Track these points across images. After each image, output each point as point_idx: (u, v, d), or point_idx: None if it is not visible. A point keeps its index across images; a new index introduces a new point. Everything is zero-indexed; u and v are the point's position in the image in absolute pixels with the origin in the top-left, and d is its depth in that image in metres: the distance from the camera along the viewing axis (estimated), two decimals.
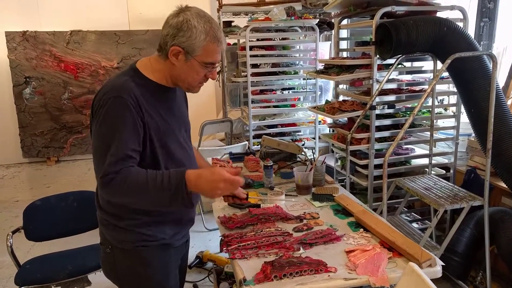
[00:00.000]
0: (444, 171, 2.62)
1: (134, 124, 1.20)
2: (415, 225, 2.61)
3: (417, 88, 2.55)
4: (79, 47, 5.45)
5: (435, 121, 2.49)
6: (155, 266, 1.35)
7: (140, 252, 1.32)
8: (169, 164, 1.30)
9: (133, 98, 1.20)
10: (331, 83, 4.06)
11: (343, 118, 2.57)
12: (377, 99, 2.36)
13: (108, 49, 5.54)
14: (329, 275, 1.26)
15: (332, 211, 1.75)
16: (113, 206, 1.30)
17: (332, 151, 3.48)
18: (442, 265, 1.32)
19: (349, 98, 2.73)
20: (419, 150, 2.75)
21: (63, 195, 2.26)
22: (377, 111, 2.40)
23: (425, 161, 2.65)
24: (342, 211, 1.74)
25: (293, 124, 3.78)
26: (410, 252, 1.33)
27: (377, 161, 2.44)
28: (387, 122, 2.49)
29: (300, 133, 3.92)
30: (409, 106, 2.62)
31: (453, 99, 2.93)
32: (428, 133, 2.68)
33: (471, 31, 2.59)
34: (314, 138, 3.76)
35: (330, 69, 2.60)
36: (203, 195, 1.27)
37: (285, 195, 1.87)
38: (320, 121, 3.76)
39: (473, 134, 2.69)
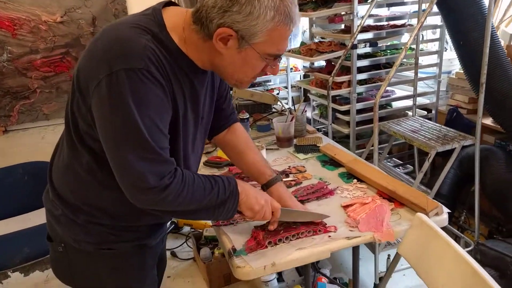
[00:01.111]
0: (425, 112, 2.51)
1: (168, 102, 0.86)
2: (397, 170, 2.53)
3: (399, 22, 2.34)
4: (12, 0, 4.76)
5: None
6: (127, 271, 1.06)
7: (105, 255, 1.01)
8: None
9: (161, 67, 0.83)
10: (300, 27, 3.79)
11: (322, 60, 2.36)
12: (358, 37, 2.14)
13: (48, 1, 4.89)
14: (329, 236, 1.11)
15: (319, 162, 1.62)
16: (75, 194, 0.97)
17: (306, 99, 3.31)
18: (448, 212, 1.21)
19: (326, 39, 2.50)
20: (398, 91, 2.61)
21: (10, 168, 1.99)
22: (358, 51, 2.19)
23: (405, 103, 2.52)
24: (330, 161, 1.61)
25: None
26: (415, 202, 1.20)
27: (359, 105, 2.28)
28: (365, 62, 2.29)
29: (270, 83, 3.68)
30: (389, 43, 2.44)
31: (431, 34, 2.77)
32: (408, 72, 2.54)
33: None
34: (286, 88, 3.54)
35: (305, 5, 2.33)
36: (243, 206, 1.02)
37: (266, 149, 1.71)
38: (292, 68, 3.52)
39: (454, 71, 2.59)
